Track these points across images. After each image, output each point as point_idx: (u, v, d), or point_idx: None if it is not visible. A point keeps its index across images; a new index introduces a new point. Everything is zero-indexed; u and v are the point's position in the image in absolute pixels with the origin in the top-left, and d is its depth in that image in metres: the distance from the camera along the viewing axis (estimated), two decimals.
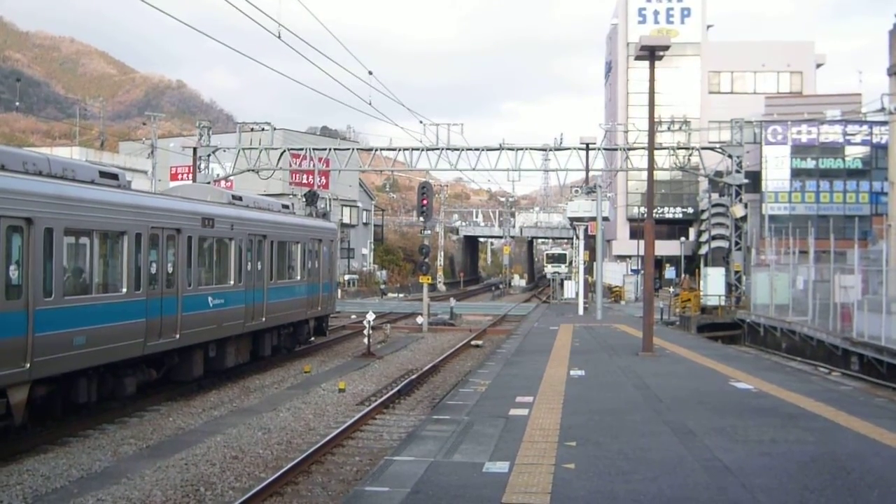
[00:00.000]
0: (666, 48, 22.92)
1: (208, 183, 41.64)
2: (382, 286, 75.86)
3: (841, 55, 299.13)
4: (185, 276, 19.72)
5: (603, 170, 53.73)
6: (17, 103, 77.83)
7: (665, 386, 18.37)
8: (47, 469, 13.47)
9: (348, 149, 50.27)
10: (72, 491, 12.30)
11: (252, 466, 13.93)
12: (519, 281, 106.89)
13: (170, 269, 19.12)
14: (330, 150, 49.31)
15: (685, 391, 17.72)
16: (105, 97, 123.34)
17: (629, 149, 46.74)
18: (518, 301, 67.38)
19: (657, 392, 17.46)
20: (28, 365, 13.94)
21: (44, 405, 15.35)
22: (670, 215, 79.01)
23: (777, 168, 61.43)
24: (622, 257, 77.87)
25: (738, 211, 43.56)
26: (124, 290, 17.26)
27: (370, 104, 36.28)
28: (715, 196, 47.38)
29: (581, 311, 44.62)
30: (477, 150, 45.77)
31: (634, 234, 70.81)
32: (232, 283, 22.48)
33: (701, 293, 44.43)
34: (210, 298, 21.04)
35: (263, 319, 24.38)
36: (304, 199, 36.95)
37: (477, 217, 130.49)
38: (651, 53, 22.89)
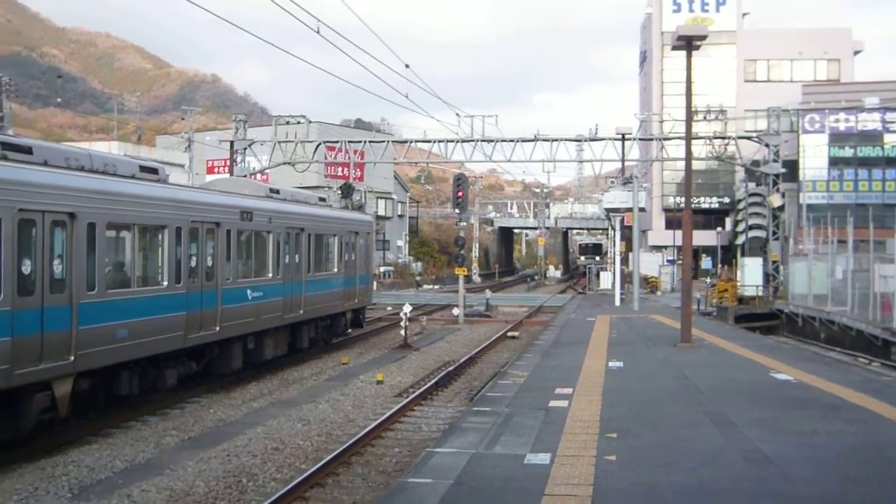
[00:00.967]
0: (703, 38, 22.77)
1: (245, 176, 41.87)
2: (418, 278, 76.02)
3: (879, 41, 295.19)
4: (224, 270, 19.86)
5: (638, 160, 53.53)
6: (59, 99, 78.59)
7: (704, 377, 18.29)
8: (92, 460, 13.65)
9: (383, 141, 50.32)
10: (116, 482, 12.46)
11: (293, 458, 14.04)
12: (554, 272, 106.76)
13: (209, 263, 19.28)
14: (365, 142, 49.40)
15: (724, 382, 17.64)
16: (141, 92, 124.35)
17: (665, 139, 46.43)
18: (553, 292, 67.31)
19: (696, 383, 17.39)
20: (72, 358, 14.13)
21: (87, 397, 15.54)
22: (706, 205, 78.45)
23: (814, 157, 60.71)
24: (658, 248, 77.33)
25: (776, 200, 43.23)
26: (165, 283, 17.43)
27: (407, 97, 36.37)
28: (752, 185, 46.99)
29: (618, 302, 44.47)
30: (511, 141, 45.67)
31: (670, 225, 70.36)
32: (270, 275, 22.63)
33: (738, 283, 44.13)
34: (249, 291, 21.19)
35: (301, 312, 24.52)
36: (339, 192, 37.10)
37: (511, 208, 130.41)
38: (688, 43, 22.73)
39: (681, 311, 25.19)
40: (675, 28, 23.90)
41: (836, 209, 52.08)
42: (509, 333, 33.09)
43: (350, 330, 30.62)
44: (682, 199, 27.61)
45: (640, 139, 47.85)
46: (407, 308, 29.96)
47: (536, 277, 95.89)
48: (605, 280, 60.31)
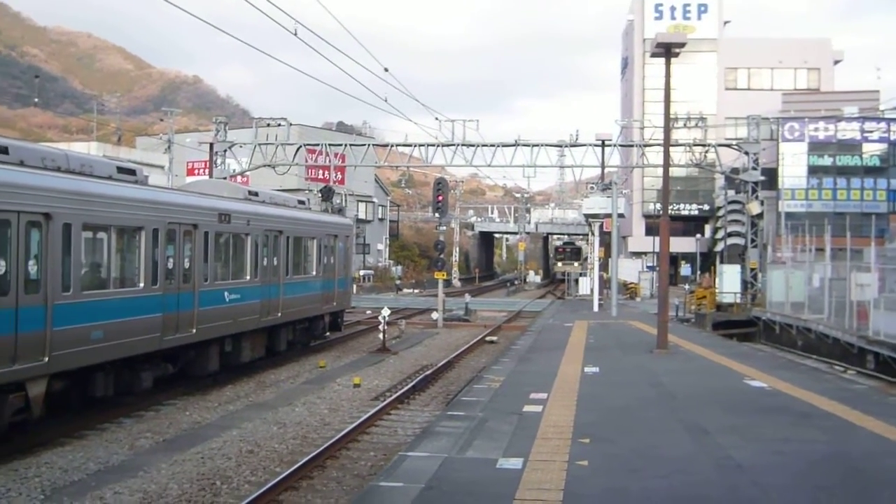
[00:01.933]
0: (682, 45, 22.92)
1: (224, 178, 41.79)
2: (398, 282, 75.98)
3: (858, 52, 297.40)
4: (201, 272, 19.84)
5: (619, 166, 53.70)
6: (37, 99, 78.17)
7: (679, 383, 18.39)
8: (65, 462, 13.61)
9: (364, 144, 50.34)
10: (89, 484, 12.43)
11: (267, 461, 14.04)
12: (534, 277, 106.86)
13: (186, 265, 19.25)
14: (346, 145, 49.40)
15: (699, 389, 17.76)
16: (122, 92, 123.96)
17: (645, 145, 46.63)
18: (533, 297, 67.40)
19: (671, 389, 17.49)
20: (46, 359, 14.09)
21: (61, 399, 15.49)
22: (686, 212, 78.79)
23: (794, 165, 61.13)
24: (638, 254, 77.62)
25: (755, 208, 43.45)
26: (141, 284, 17.41)
27: (386, 101, 36.40)
28: (731, 193, 47.24)
29: (596, 308, 44.58)
30: (492, 146, 45.75)
31: (650, 231, 70.70)
32: (248, 278, 22.61)
33: (716, 290, 44.35)
34: (226, 293, 21.17)
35: (279, 314, 24.51)
36: (319, 195, 37.11)
37: (492, 213, 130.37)
38: (667, 50, 22.87)
39: (657, 318, 25.29)
40: (655, 35, 24.05)
41: (814, 217, 52.40)
42: (488, 338, 33.13)
43: (328, 333, 30.62)
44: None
45: (621, 145, 48.07)
46: (385, 312, 29.97)
47: (516, 282, 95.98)
48: (585, 286, 60.45)
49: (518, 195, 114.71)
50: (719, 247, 49.93)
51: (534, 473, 10.39)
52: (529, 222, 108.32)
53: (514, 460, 11.05)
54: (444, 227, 42.42)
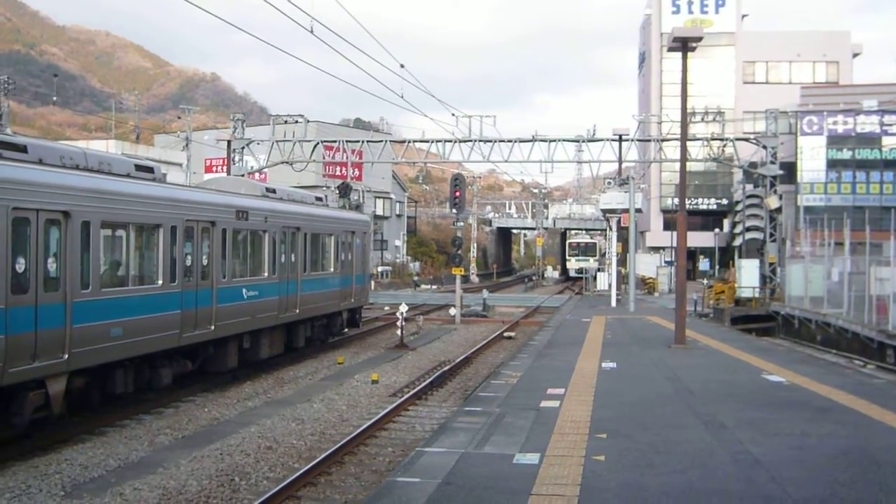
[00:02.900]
0: (699, 39, 22.82)
1: (242, 175, 41.90)
2: (415, 278, 76.04)
3: (877, 45, 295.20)
4: (219, 269, 19.91)
5: (636, 161, 53.53)
6: (55, 98, 78.64)
7: (696, 378, 18.36)
8: (85, 458, 13.71)
9: (381, 141, 50.32)
10: (109, 480, 12.51)
11: (286, 457, 14.09)
12: (552, 273, 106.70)
13: (204, 262, 19.33)
14: (363, 142, 49.41)
15: (717, 384, 17.72)
16: (140, 90, 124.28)
17: (662, 140, 46.43)
18: (551, 293, 67.38)
19: (688, 384, 17.46)
20: (66, 356, 14.17)
21: (82, 396, 15.59)
22: (704, 206, 78.43)
23: (812, 159, 60.68)
24: (656, 249, 77.36)
25: (773, 202, 43.22)
26: (160, 282, 17.48)
27: (402, 97, 36.40)
28: (749, 187, 46.96)
29: (614, 303, 44.53)
30: (510, 141, 45.64)
31: (668, 226, 70.35)
32: (266, 275, 22.68)
33: (735, 285, 44.16)
34: (244, 290, 21.24)
35: (297, 311, 24.58)
36: (337, 192, 37.17)
37: (510, 209, 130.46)
38: (684, 45, 22.80)
39: (675, 313, 25.23)
40: (672, 29, 23.96)
41: (833, 211, 52.07)
42: (505, 334, 33.14)
43: (346, 329, 30.68)
44: None
45: (638, 140, 47.85)
46: (403, 308, 29.99)
47: (534, 278, 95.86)
48: (602, 281, 60.35)
49: (535, 191, 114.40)
50: (738, 241, 49.68)
51: (550, 469, 10.40)
52: (547, 218, 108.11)
53: (530, 455, 11.07)
54: (462, 224, 42.41)
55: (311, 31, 20.86)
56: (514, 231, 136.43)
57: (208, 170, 68.52)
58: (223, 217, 20.27)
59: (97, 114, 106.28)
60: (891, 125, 60.29)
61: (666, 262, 66.91)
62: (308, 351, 26.85)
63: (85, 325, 14.66)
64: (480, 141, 45.36)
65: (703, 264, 71.30)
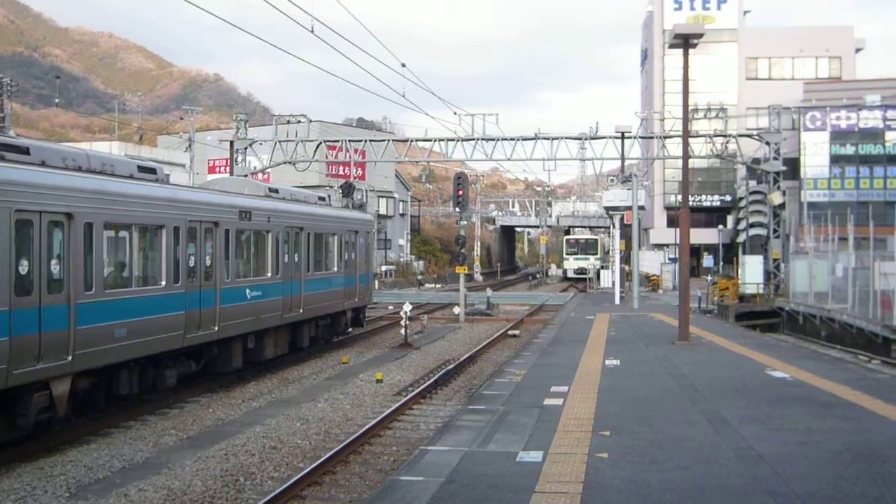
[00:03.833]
0: (700, 36, 22.79)
1: (245, 176, 41.96)
2: (419, 277, 76.07)
3: (881, 40, 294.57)
4: (223, 269, 19.93)
5: (639, 158, 53.52)
6: (57, 99, 78.75)
7: (700, 375, 18.35)
8: (90, 460, 13.72)
9: (384, 140, 50.38)
10: (114, 481, 12.53)
11: (291, 457, 14.10)
12: (556, 270, 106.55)
13: (208, 262, 19.35)
14: (366, 141, 49.53)
15: (721, 380, 17.69)
16: (143, 92, 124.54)
17: (665, 137, 46.43)
18: (555, 291, 67.31)
19: (692, 381, 17.45)
20: (70, 357, 14.19)
21: (86, 397, 15.61)
22: (708, 203, 78.49)
23: (816, 154, 60.67)
24: (659, 246, 77.38)
25: (777, 198, 43.22)
26: (163, 283, 17.50)
27: (404, 96, 36.45)
28: (753, 183, 47.02)
29: (618, 301, 44.49)
30: (512, 139, 45.73)
31: (672, 223, 70.27)
32: (269, 275, 22.69)
33: (739, 281, 44.16)
34: (248, 291, 21.25)
35: (301, 311, 24.59)
36: (340, 191, 37.15)
37: (513, 207, 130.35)
38: (685, 41, 22.77)
39: (679, 310, 25.22)
40: (673, 26, 23.94)
41: (837, 207, 52.14)
42: (510, 332, 33.12)
43: (350, 329, 30.68)
44: None
45: (641, 137, 47.87)
46: (407, 307, 30.01)
47: (538, 276, 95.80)
48: (606, 279, 60.32)
49: (539, 189, 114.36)
50: (742, 237, 49.76)
51: (554, 466, 10.40)
52: (551, 216, 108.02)
53: (534, 453, 11.08)
54: (465, 222, 42.32)
55: (312, 31, 20.87)
56: (518, 229, 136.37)
57: (211, 170, 68.57)
58: (226, 217, 20.28)
59: (100, 115, 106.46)
60: (894, 120, 60.27)
61: (670, 259, 66.83)
62: (312, 351, 26.87)
63: (89, 327, 14.68)
64: (483, 139, 45.45)
65: (708, 261, 71.32)
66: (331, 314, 27.94)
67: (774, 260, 43.53)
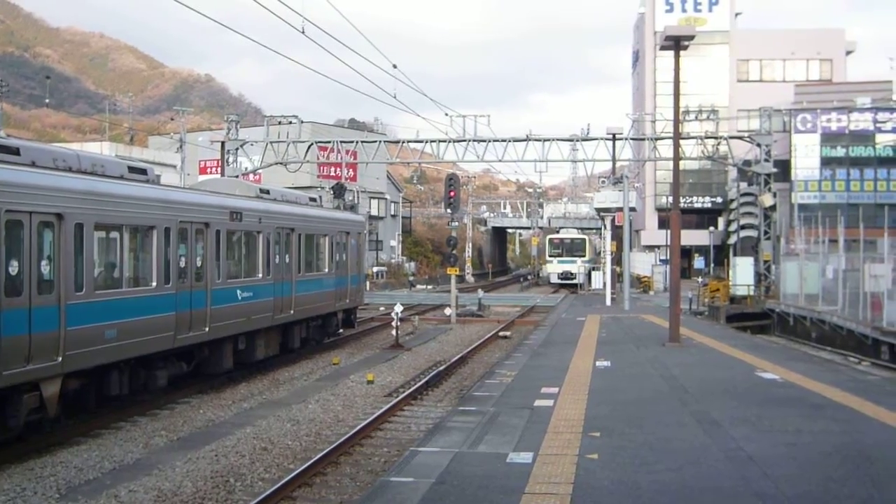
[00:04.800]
0: (691, 38, 22.85)
1: (236, 177, 41.92)
2: (411, 278, 75.99)
3: (871, 42, 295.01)
4: (213, 270, 19.93)
5: (630, 160, 53.58)
6: (48, 100, 78.61)
7: (691, 376, 18.39)
8: (80, 461, 13.70)
9: (375, 141, 50.37)
10: (104, 482, 12.52)
11: (281, 458, 14.10)
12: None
13: (199, 263, 19.34)
14: (357, 142, 49.57)
15: (711, 382, 17.73)
16: (134, 92, 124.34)
17: (657, 139, 46.49)
18: (546, 292, 67.29)
19: (683, 382, 17.48)
20: (60, 358, 14.18)
21: (76, 398, 15.58)
22: (699, 205, 78.57)
23: (806, 156, 60.84)
24: (651, 247, 77.44)
25: (767, 200, 43.32)
26: (154, 283, 17.49)
27: (395, 97, 36.48)
28: (743, 185, 47.10)
29: (609, 302, 44.55)
30: (504, 141, 45.76)
31: (663, 224, 70.45)
32: (260, 276, 22.69)
33: (729, 283, 44.27)
34: (239, 291, 21.25)
35: (292, 312, 24.59)
36: (331, 192, 37.19)
37: (505, 208, 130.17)
38: (676, 43, 22.82)
39: (669, 311, 25.26)
40: (664, 28, 23.99)
41: (827, 209, 52.23)
42: (501, 333, 33.13)
43: (342, 330, 30.67)
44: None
45: (632, 139, 47.94)
46: (398, 308, 30.03)
47: (530, 277, 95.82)
48: (597, 280, 60.33)
49: (530, 190, 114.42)
50: (732, 239, 49.84)
51: (544, 467, 10.42)
52: (542, 217, 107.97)
53: (524, 454, 11.10)
54: (457, 223, 42.47)
55: (303, 32, 20.88)
56: (510, 230, 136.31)
57: (202, 171, 68.54)
58: (217, 218, 20.28)
59: (91, 116, 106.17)
60: (884, 122, 60.49)
61: (661, 260, 66.94)
62: (303, 352, 26.85)
63: (79, 328, 14.67)
64: (475, 141, 45.47)
65: (698, 262, 71.44)
66: (322, 315, 27.93)
67: (765, 262, 43.63)
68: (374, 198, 79.06)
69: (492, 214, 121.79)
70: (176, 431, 16.08)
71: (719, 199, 76.96)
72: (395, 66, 33.04)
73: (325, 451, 13.80)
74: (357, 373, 23.15)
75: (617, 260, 48.38)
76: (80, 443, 15.03)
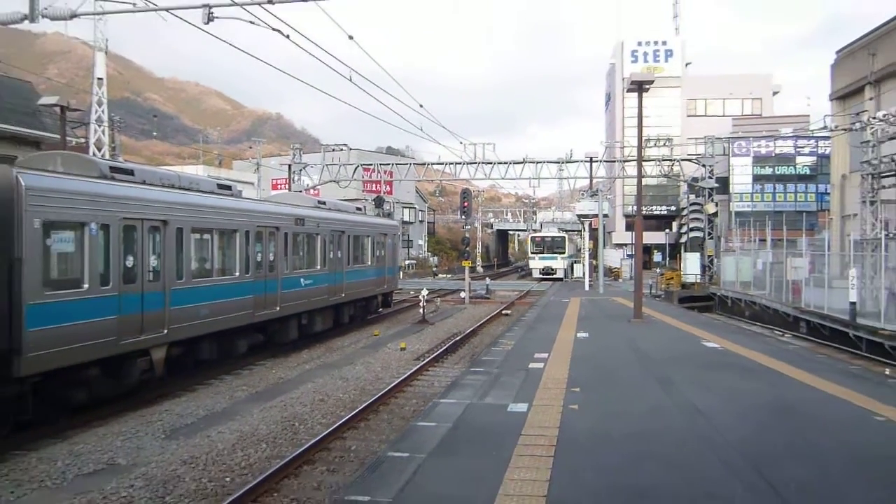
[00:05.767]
0: (651, 82, 22.70)
1: (300, 192, 41.97)
2: (434, 269, 75.89)
3: (794, 84, 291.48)
4: (282, 263, 19.98)
5: (604, 177, 53.36)
6: (155, 133, 78.94)
7: (651, 345, 18.26)
8: (180, 409, 13.80)
9: (407, 164, 50.45)
10: (199, 426, 12.60)
11: (334, 407, 14.14)
12: None
13: (271, 258, 19.39)
14: (393, 164, 49.71)
15: (667, 349, 17.61)
16: (221, 127, 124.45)
17: (625, 161, 46.39)
18: (538, 281, 66.90)
19: (645, 350, 17.37)
20: (166, 331, 14.28)
21: (178, 361, 15.68)
22: (657, 212, 78.25)
23: (742, 174, 60.11)
24: (620, 245, 77.16)
25: (711, 208, 43.11)
26: (237, 273, 17.55)
27: (421, 129, 36.48)
28: (692, 197, 46.76)
29: (587, 288, 44.31)
30: (506, 163, 45.76)
31: (629, 227, 70.16)
32: (318, 267, 22.72)
33: (681, 273, 44.04)
34: (302, 280, 21.30)
35: (343, 295, 24.61)
36: (373, 203, 37.17)
37: (507, 215, 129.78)
38: (639, 87, 22.69)
39: (634, 295, 25.15)
40: (630, 74, 23.87)
41: (758, 215, 51.67)
42: (503, 311, 33.03)
43: (381, 309, 30.67)
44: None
45: (605, 161, 47.81)
46: (424, 292, 30.04)
47: (525, 269, 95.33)
48: (578, 271, 60.01)
49: (526, 201, 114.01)
50: (683, 239, 49.54)
51: (536, 415, 10.40)
52: (536, 222, 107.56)
53: (521, 405, 11.07)
54: (469, 227, 42.35)
55: (350, 79, 20.86)
56: (510, 232, 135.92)
57: (274, 187, 68.40)
58: (285, 223, 20.33)
59: (189, 145, 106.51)
60: (803, 147, 59.82)
61: (627, 255, 66.53)
62: (351, 326, 26.86)
63: (179, 308, 14.76)
64: (483, 163, 45.48)
65: (657, 257, 71.03)
66: (366, 298, 27.93)
67: (709, 256, 43.35)
68: (405, 207, 78.98)
69: (496, 220, 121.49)
70: (253, 387, 16.14)
71: (673, 208, 76.60)
72: (421, 106, 32.87)
73: (367, 402, 13.84)
74: (392, 342, 23.16)
75: (594, 255, 48.09)
76: (180, 395, 15.12)
